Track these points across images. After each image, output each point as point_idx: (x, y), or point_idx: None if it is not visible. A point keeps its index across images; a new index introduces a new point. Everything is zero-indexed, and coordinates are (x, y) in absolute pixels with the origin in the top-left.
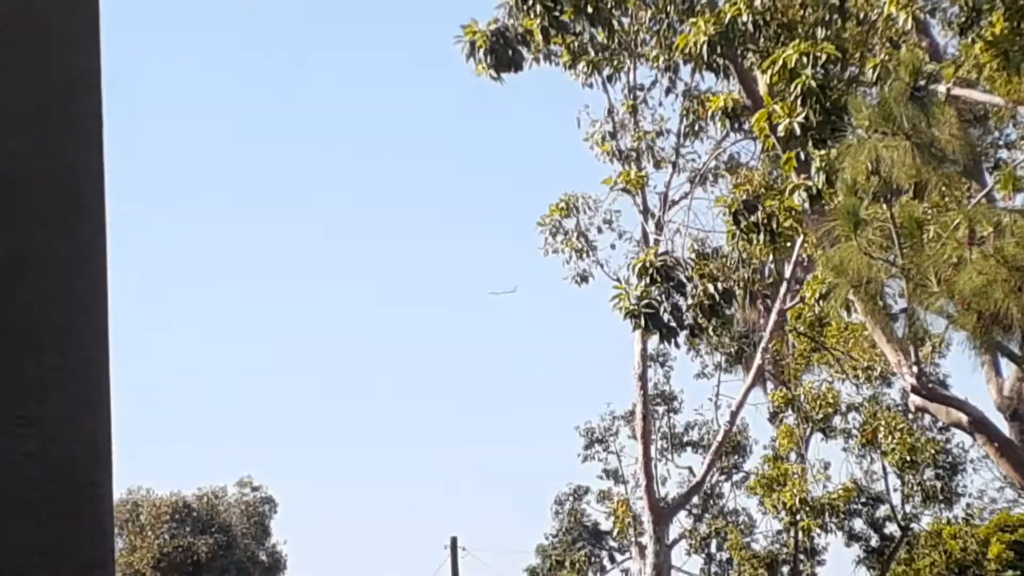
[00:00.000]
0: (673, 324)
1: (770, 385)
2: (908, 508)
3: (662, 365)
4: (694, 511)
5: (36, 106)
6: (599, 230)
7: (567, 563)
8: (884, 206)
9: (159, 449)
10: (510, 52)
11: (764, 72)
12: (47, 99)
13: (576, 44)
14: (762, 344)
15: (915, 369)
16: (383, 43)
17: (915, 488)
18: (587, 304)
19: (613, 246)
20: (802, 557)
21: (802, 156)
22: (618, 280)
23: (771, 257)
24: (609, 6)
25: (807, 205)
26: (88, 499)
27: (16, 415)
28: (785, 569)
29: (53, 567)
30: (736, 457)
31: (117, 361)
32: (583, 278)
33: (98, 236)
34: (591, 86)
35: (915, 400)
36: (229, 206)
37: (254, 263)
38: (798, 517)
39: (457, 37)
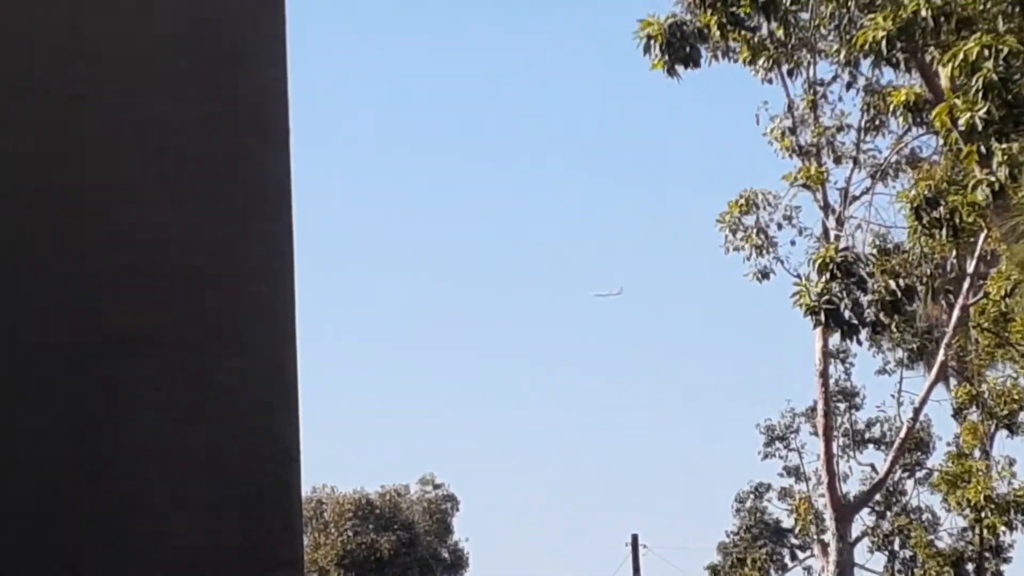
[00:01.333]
0: (854, 320)
1: (953, 381)
2: None
3: (843, 361)
4: (876, 508)
5: (225, 113)
6: (779, 226)
7: (748, 561)
8: None
9: (342, 447)
10: (686, 48)
11: (945, 66)
12: (236, 105)
13: (755, 40)
14: (945, 340)
15: None
16: (558, 34)
17: None
18: (768, 301)
19: (793, 242)
20: (987, 555)
21: (984, 150)
22: (798, 277)
23: (954, 252)
24: (788, 1)
25: (990, 200)
26: (277, 499)
27: (205, 417)
28: (970, 567)
29: (244, 567)
30: (919, 454)
31: (305, 357)
32: (764, 275)
33: (286, 238)
34: (770, 81)
35: None
36: (416, 208)
37: (436, 262)
38: (983, 514)
39: (634, 32)
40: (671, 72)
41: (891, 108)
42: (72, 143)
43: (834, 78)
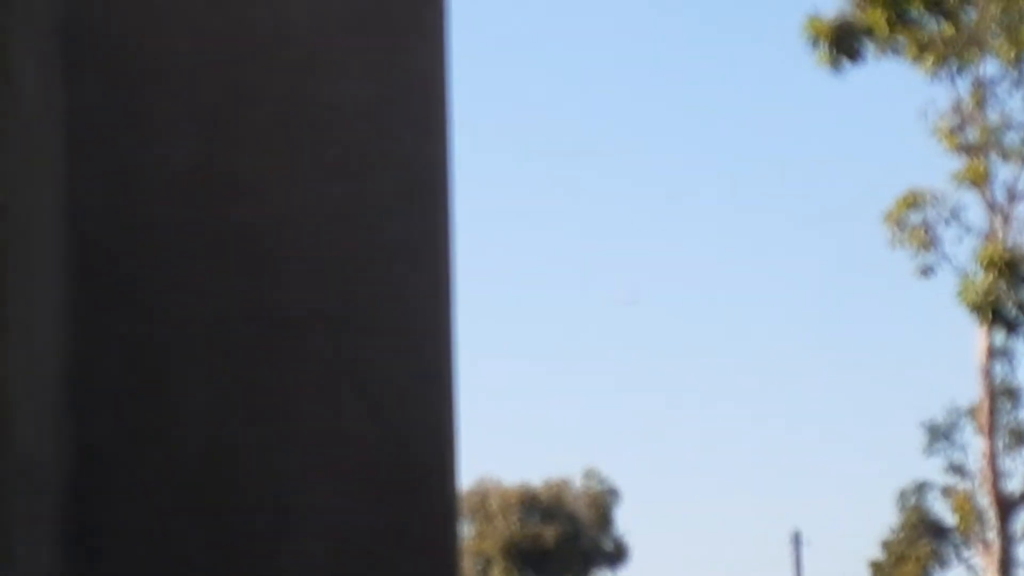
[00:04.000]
0: (1019, 318)
1: None
2: None
3: (1007, 359)
4: None
5: (388, 98)
6: (945, 224)
7: (911, 558)
8: None
9: (507, 440)
10: (853, 44)
11: None
12: (398, 91)
13: (923, 37)
14: None
15: None
16: (718, 24)
17: None
18: (930, 298)
19: (959, 240)
20: None
21: None
22: (964, 274)
23: None
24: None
25: None
26: (434, 481)
27: (365, 397)
28: None
29: (401, 546)
30: None
31: (470, 352)
32: (928, 272)
33: (443, 223)
34: (937, 79)
35: None
36: (580, 199)
37: (605, 249)
38: None
39: (802, 28)
40: (836, 67)
41: None
42: (240, 129)
43: (1002, 76)
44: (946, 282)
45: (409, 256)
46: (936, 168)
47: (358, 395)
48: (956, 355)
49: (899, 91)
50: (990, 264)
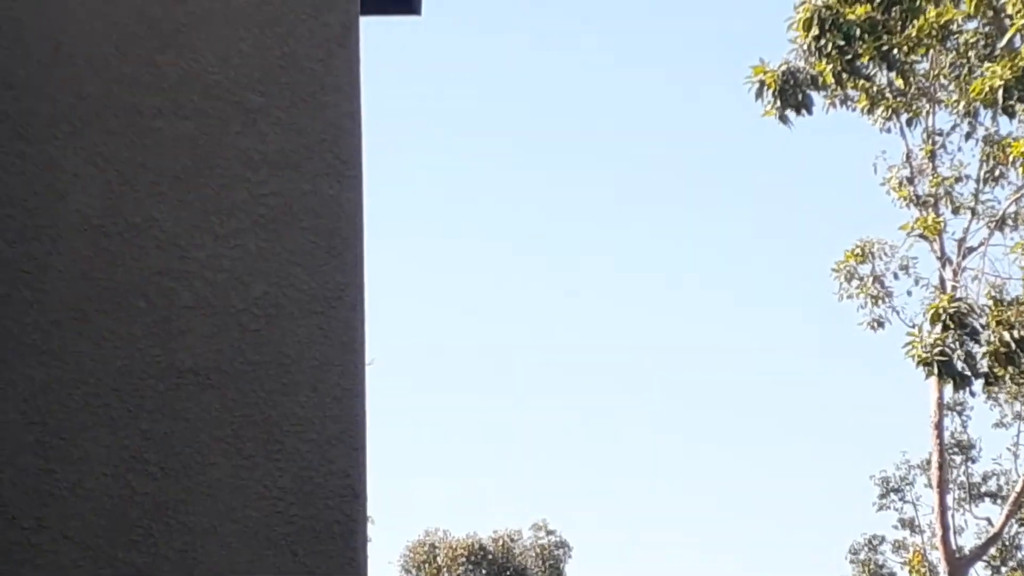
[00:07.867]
0: (967, 372)
1: None
2: None
3: (959, 414)
4: (992, 563)
5: (299, 149)
6: (895, 276)
7: None
8: None
9: (455, 491)
10: (799, 95)
11: None
12: (309, 142)
13: (873, 89)
14: None
15: None
16: (669, 72)
17: None
18: (884, 351)
19: (909, 292)
20: None
21: None
22: (913, 327)
23: None
24: (907, 51)
25: None
26: (341, 534)
27: (272, 449)
28: None
29: None
30: None
31: (419, 398)
32: (878, 324)
33: (354, 273)
34: (888, 131)
35: None
36: (497, 233)
37: (536, 293)
38: None
39: (747, 78)
40: (783, 119)
41: (1010, 159)
42: (149, 176)
43: (953, 128)
44: (898, 335)
45: (318, 308)
46: (888, 220)
47: (265, 449)
48: (911, 409)
49: (851, 142)
50: (937, 317)
